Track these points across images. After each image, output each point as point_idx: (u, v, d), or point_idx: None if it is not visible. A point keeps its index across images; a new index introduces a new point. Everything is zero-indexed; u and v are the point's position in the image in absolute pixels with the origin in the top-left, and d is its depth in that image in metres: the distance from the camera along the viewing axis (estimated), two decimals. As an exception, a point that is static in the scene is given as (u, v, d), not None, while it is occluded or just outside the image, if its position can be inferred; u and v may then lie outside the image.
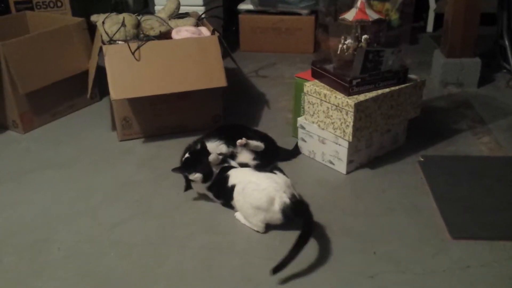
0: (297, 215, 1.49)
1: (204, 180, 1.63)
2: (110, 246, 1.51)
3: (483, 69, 2.54)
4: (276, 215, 1.50)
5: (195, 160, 1.64)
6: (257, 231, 1.54)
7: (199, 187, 1.68)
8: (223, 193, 1.63)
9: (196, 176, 1.61)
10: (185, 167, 1.65)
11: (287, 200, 1.49)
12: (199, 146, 1.69)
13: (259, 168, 1.69)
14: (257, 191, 1.51)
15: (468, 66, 2.52)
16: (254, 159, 1.79)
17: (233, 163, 1.75)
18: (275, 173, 1.59)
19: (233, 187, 1.58)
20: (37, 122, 2.27)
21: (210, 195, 1.68)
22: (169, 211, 1.67)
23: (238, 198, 1.57)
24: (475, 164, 1.87)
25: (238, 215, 1.60)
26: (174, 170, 1.65)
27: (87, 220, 1.63)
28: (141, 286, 1.36)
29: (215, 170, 1.65)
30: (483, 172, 1.82)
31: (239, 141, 1.73)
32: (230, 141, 1.78)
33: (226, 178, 1.61)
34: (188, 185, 1.72)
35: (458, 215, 1.59)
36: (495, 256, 1.42)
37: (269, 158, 1.83)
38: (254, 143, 1.77)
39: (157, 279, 1.38)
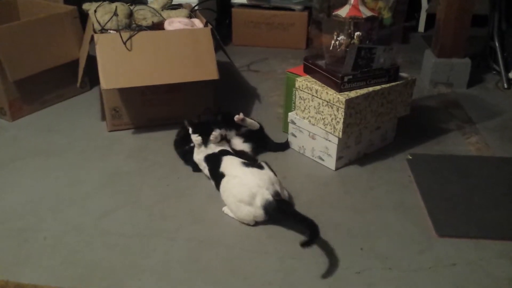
0: (279, 213, 1.50)
1: (203, 142, 1.71)
2: (97, 236, 1.50)
3: (473, 70, 2.56)
4: (258, 211, 1.51)
5: (201, 128, 1.72)
6: (247, 224, 1.55)
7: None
8: (214, 174, 1.67)
9: (197, 138, 1.70)
10: (194, 130, 1.73)
11: (269, 197, 1.50)
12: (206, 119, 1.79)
13: (250, 157, 1.75)
14: (240, 185, 1.53)
15: (458, 67, 2.54)
16: (244, 142, 1.85)
17: (238, 146, 1.83)
18: (262, 167, 1.60)
19: (222, 175, 1.61)
20: (26, 110, 2.24)
21: (206, 169, 1.72)
22: (158, 202, 1.67)
23: (223, 189, 1.59)
24: (462, 163, 1.89)
25: (226, 209, 1.61)
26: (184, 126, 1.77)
27: (74, 210, 1.62)
28: (127, 277, 1.35)
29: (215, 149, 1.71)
30: (471, 172, 1.84)
31: (236, 116, 1.80)
32: (224, 125, 1.83)
33: (219, 162, 1.65)
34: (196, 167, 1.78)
35: (445, 213, 1.60)
36: (481, 254, 1.43)
37: (258, 143, 1.88)
38: (249, 120, 1.86)
39: (144, 270, 1.37)
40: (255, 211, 1.51)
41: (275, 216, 1.51)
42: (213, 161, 1.68)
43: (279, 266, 1.39)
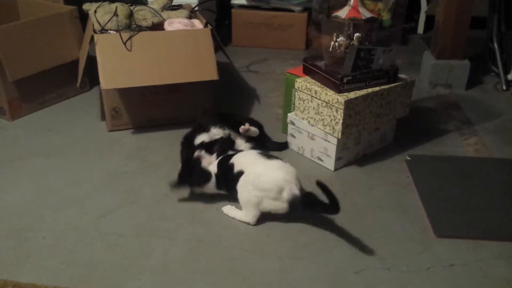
0: (305, 208, 1.50)
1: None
2: (97, 236, 1.50)
3: (472, 72, 2.57)
4: (282, 205, 1.50)
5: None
6: (247, 223, 1.55)
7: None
8: (228, 177, 1.60)
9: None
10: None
11: (297, 192, 1.49)
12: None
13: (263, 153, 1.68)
14: (268, 178, 1.50)
15: (457, 68, 2.54)
16: (246, 141, 1.85)
17: (240, 146, 1.83)
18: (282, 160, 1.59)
19: (239, 173, 1.56)
20: (26, 110, 2.25)
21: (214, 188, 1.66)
22: (157, 202, 1.67)
23: (244, 185, 1.54)
24: (461, 164, 1.90)
25: (226, 209, 1.61)
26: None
27: (74, 209, 1.63)
28: (127, 277, 1.36)
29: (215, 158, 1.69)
30: (469, 173, 1.84)
31: (242, 127, 1.80)
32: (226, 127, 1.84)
33: (232, 165, 1.60)
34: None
35: (443, 214, 1.61)
36: (479, 255, 1.44)
37: (258, 142, 1.88)
38: (253, 128, 1.85)
39: (143, 270, 1.38)
40: (279, 205, 1.50)
41: (299, 211, 1.50)
42: (225, 163, 1.64)
43: (278, 266, 1.39)
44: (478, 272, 1.38)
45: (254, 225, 1.55)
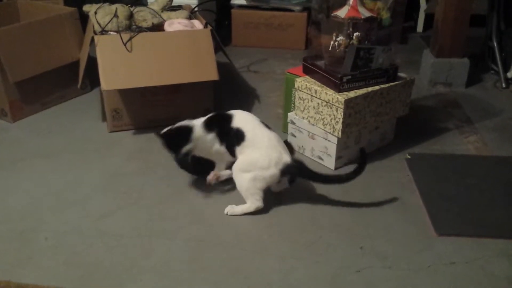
0: (297, 175, 1.60)
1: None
2: (98, 237, 1.51)
3: (471, 70, 2.57)
4: (275, 172, 1.56)
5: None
6: (257, 209, 1.58)
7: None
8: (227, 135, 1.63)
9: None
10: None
11: (288, 159, 1.57)
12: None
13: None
14: (262, 157, 1.56)
15: (457, 67, 2.54)
16: None
17: None
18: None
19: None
20: (27, 111, 2.25)
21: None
22: (158, 203, 1.67)
23: (237, 173, 1.58)
24: (461, 162, 1.90)
25: (229, 209, 1.60)
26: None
27: (75, 211, 1.63)
28: (128, 278, 1.36)
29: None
30: (469, 171, 1.84)
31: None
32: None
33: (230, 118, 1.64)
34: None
35: (444, 212, 1.61)
36: (479, 253, 1.44)
37: None
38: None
39: (144, 270, 1.38)
40: (273, 172, 1.56)
41: (292, 177, 1.60)
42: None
43: (279, 266, 1.39)
44: (479, 270, 1.38)
45: (253, 223, 1.55)
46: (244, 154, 1.58)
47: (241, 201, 1.61)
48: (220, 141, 1.62)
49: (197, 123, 1.63)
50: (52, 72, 2.27)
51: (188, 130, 1.60)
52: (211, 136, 1.62)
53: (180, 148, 1.60)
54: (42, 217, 1.60)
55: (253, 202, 1.58)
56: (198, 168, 1.73)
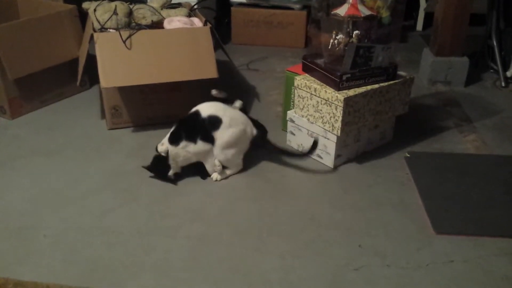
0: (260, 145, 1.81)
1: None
2: (98, 235, 1.51)
3: (471, 69, 2.57)
4: (247, 140, 1.77)
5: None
6: (238, 172, 1.79)
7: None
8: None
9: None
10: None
11: (255, 132, 1.78)
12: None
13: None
14: (241, 132, 1.74)
15: (456, 65, 2.55)
16: None
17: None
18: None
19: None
20: (26, 109, 2.25)
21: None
22: (157, 200, 1.67)
23: (220, 146, 1.72)
24: (460, 161, 1.90)
25: (215, 176, 1.76)
26: None
27: (74, 208, 1.63)
28: (128, 275, 1.36)
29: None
30: (468, 169, 1.85)
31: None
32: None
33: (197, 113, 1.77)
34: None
35: (443, 210, 1.61)
36: (478, 251, 1.45)
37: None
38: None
39: (144, 268, 1.38)
40: (246, 140, 1.76)
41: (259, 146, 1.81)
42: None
43: (278, 264, 1.40)
44: (477, 268, 1.39)
45: (253, 223, 1.55)
46: (224, 134, 1.70)
47: (242, 199, 1.63)
48: (192, 141, 1.72)
49: (165, 141, 1.75)
50: (51, 69, 2.26)
51: (163, 158, 1.74)
52: (182, 145, 1.72)
53: (167, 172, 1.75)
54: (41, 215, 1.60)
55: (237, 167, 1.80)
56: (195, 170, 1.81)
